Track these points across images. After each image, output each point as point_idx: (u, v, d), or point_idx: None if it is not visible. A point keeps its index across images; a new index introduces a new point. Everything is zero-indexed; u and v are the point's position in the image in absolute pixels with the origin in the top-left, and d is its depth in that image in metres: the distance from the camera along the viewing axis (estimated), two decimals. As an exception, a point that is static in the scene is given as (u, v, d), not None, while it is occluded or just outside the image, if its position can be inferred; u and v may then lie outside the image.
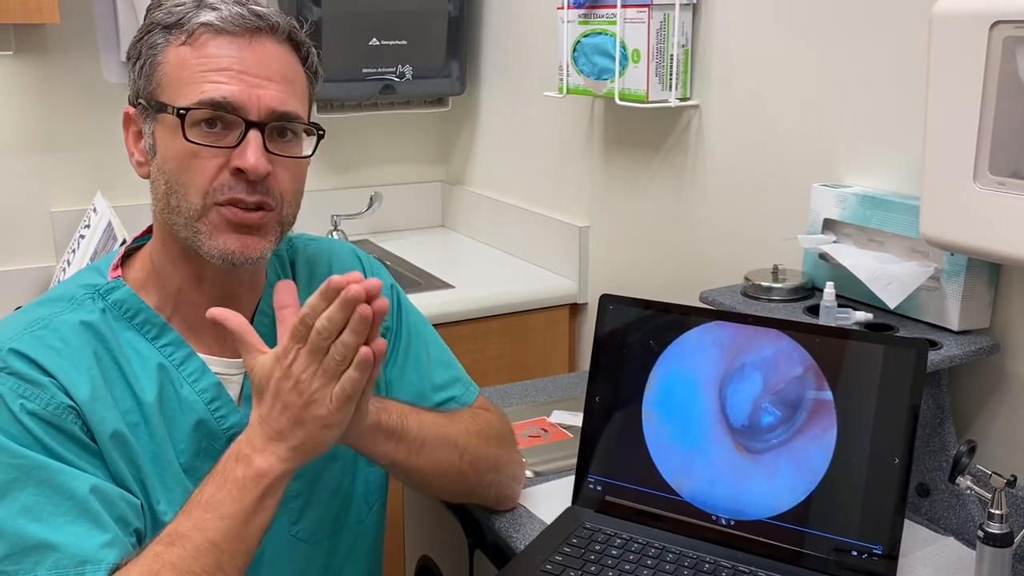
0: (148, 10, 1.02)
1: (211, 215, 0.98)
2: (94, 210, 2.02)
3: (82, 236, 2.01)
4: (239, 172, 0.97)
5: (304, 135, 1.03)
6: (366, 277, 1.17)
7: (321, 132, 1.04)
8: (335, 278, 0.88)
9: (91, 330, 0.99)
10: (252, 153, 0.96)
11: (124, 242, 1.73)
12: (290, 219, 1.04)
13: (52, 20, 1.89)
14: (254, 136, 0.97)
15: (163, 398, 1.01)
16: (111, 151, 2.21)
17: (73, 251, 2.03)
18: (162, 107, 0.98)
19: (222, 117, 0.96)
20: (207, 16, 0.97)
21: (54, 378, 0.94)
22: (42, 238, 2.19)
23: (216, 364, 1.05)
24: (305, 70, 1.04)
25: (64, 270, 2.01)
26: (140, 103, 1.01)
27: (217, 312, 0.95)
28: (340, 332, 0.89)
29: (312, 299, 0.89)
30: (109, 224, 1.89)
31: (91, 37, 2.14)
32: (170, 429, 1.01)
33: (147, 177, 1.03)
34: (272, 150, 0.98)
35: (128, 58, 1.03)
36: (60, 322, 0.99)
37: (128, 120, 1.03)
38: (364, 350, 0.89)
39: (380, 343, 0.91)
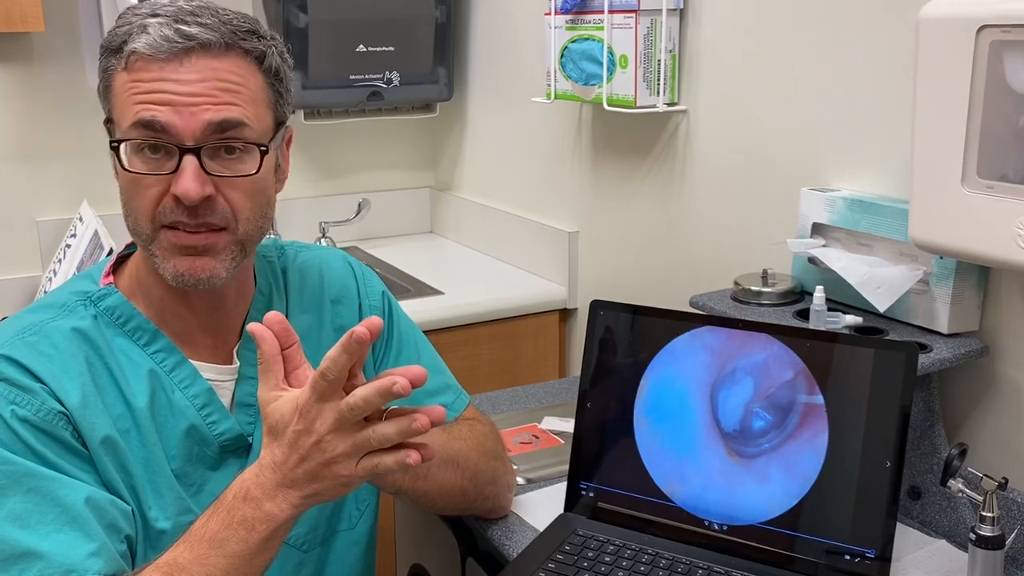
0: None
1: (160, 238, 0.98)
2: (80, 219, 2.01)
3: (68, 246, 2.00)
4: (174, 197, 0.96)
5: (257, 147, 0.98)
6: (357, 285, 1.18)
7: (264, 148, 0.98)
8: (360, 334, 0.82)
9: (83, 336, 0.99)
10: (185, 179, 0.94)
11: (111, 251, 1.72)
12: (252, 236, 1.01)
13: (37, 29, 1.88)
14: (189, 162, 0.95)
15: (154, 404, 1.01)
16: (97, 160, 2.19)
17: (59, 261, 2.02)
18: (110, 134, 0.98)
19: (159, 143, 0.95)
20: (138, 42, 0.95)
21: (45, 384, 0.94)
22: (28, 248, 2.17)
23: (208, 371, 1.04)
24: (262, 72, 0.99)
25: (50, 280, 2.00)
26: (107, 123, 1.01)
27: (256, 329, 0.90)
28: (374, 410, 0.85)
29: (333, 353, 0.83)
30: (96, 233, 1.88)
31: (76, 46, 2.13)
32: (161, 435, 1.01)
33: None
34: (214, 171, 0.96)
35: None
36: (51, 328, 0.99)
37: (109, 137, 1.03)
38: (414, 456, 0.86)
39: (429, 450, 0.87)
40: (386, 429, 0.85)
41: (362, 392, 0.84)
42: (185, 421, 1.02)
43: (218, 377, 1.05)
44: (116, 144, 0.96)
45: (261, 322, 1.09)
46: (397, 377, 0.83)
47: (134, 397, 0.99)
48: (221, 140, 0.96)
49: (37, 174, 2.17)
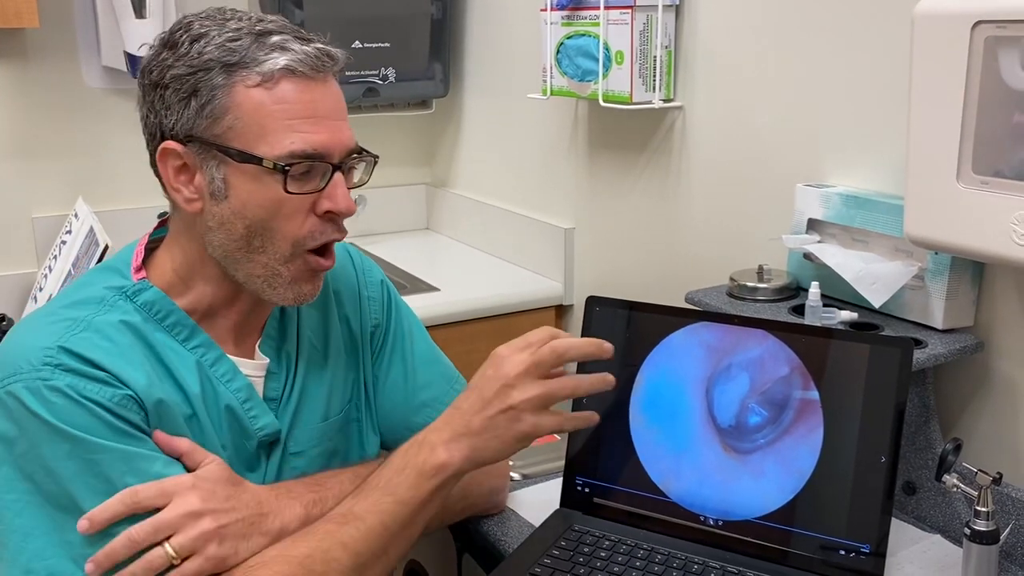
0: (181, 37, 0.96)
1: (297, 263, 1.00)
2: (75, 216, 2.00)
3: (63, 242, 2.00)
4: (327, 214, 0.99)
5: (374, 158, 1.08)
6: (357, 275, 1.19)
7: (376, 158, 1.07)
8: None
9: (132, 329, 0.98)
10: (343, 197, 1.00)
11: (107, 247, 1.72)
12: None
13: (32, 25, 1.88)
14: (340, 179, 0.99)
15: (204, 394, 1.01)
16: (92, 156, 2.20)
17: (55, 257, 2.02)
18: (247, 157, 0.95)
19: (317, 164, 0.97)
20: (283, 59, 0.95)
21: (110, 373, 0.94)
22: (23, 244, 2.17)
23: (243, 366, 1.05)
24: None
25: (45, 276, 2.00)
26: (194, 141, 0.96)
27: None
28: (563, 364, 0.99)
29: (577, 342, 1.01)
30: (91, 230, 1.88)
31: (71, 42, 2.13)
32: (214, 424, 1.02)
33: (198, 212, 0.99)
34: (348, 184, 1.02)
35: (159, 86, 0.96)
36: (100, 322, 0.97)
37: (167, 155, 0.98)
38: (596, 416, 1.02)
39: (594, 416, 1.03)
40: (581, 379, 0.99)
41: (563, 344, 0.98)
42: (231, 414, 1.02)
43: (252, 372, 1.06)
44: (285, 167, 0.95)
45: (281, 319, 1.10)
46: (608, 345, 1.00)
47: (188, 386, 1.00)
48: (358, 158, 1.03)
49: (32, 170, 2.16)
